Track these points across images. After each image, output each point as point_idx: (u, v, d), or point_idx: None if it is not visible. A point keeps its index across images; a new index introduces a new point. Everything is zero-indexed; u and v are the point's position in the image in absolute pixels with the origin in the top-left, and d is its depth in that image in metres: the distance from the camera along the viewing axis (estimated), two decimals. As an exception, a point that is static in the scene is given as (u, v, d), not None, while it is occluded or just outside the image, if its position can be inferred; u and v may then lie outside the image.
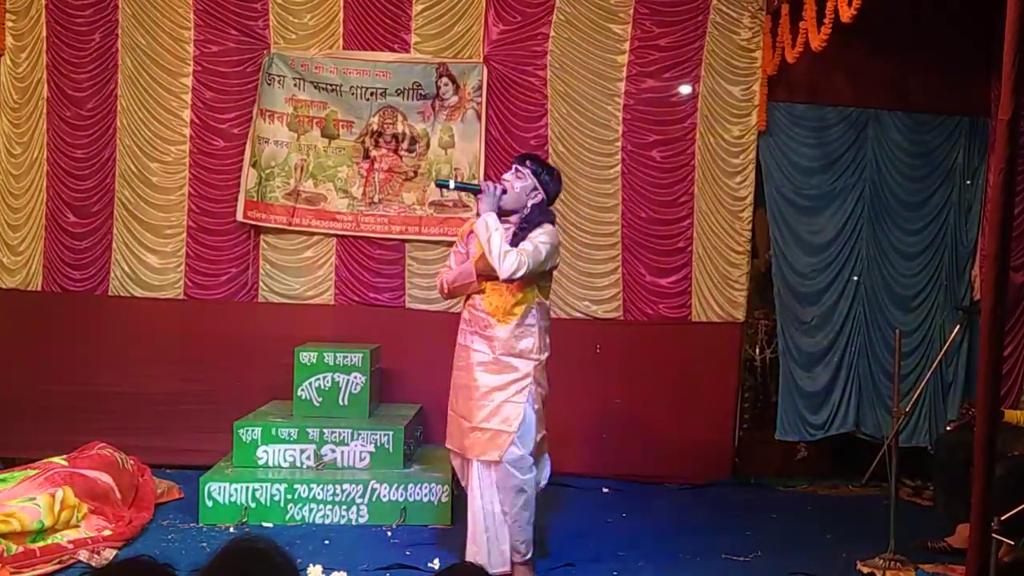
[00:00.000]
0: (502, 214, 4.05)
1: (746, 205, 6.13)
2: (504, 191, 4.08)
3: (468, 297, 4.18)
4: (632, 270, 6.14)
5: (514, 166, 4.20)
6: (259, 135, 5.99)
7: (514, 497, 4.05)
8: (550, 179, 4.18)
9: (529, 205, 4.10)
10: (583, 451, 5.96)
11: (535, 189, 4.12)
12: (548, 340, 4.18)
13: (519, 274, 3.92)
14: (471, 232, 4.22)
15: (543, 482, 4.31)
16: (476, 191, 4.14)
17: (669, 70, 6.09)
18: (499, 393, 4.03)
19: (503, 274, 3.92)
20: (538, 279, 4.09)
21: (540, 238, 4.00)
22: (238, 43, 6.05)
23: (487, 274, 4.06)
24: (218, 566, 1.80)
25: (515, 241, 3.99)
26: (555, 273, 5.97)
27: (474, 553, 4.05)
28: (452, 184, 4.40)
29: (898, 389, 4.67)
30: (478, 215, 4.09)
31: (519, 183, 4.11)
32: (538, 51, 6.09)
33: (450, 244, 6.01)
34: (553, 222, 4.17)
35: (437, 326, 6.01)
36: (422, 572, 4.34)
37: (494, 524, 4.04)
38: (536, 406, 4.09)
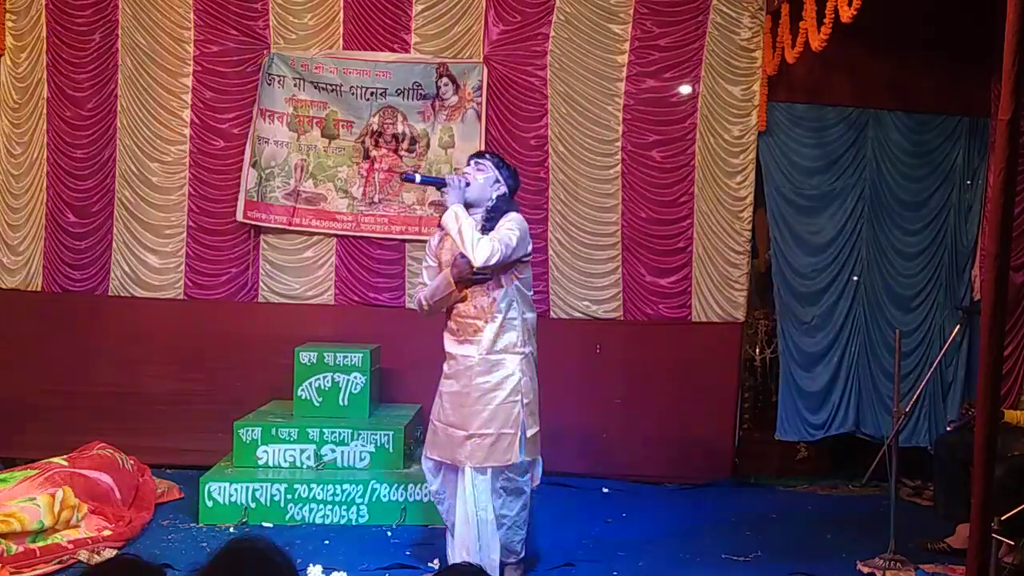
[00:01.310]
0: (467, 207, 4.01)
1: (746, 205, 6.13)
2: (467, 184, 4.05)
3: (451, 306, 4.11)
4: (632, 270, 6.14)
5: (472, 160, 4.17)
6: (259, 135, 5.99)
7: (514, 500, 4.02)
8: (509, 173, 4.16)
9: (493, 197, 4.07)
10: (583, 451, 5.96)
11: (497, 181, 4.09)
12: (534, 334, 4.11)
13: (494, 260, 3.85)
14: (440, 240, 4.14)
15: (535, 482, 4.22)
16: (441, 184, 4.10)
17: (669, 70, 6.09)
18: (495, 394, 3.96)
19: (478, 261, 3.86)
20: (515, 270, 4.02)
21: (507, 225, 3.95)
22: (238, 43, 6.05)
23: (465, 279, 3.99)
24: (216, 566, 1.79)
25: (484, 230, 3.95)
26: (555, 273, 6.06)
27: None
28: (418, 178, 4.35)
29: (898, 389, 4.68)
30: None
31: (481, 175, 4.08)
32: (538, 51, 6.09)
33: (450, 244, 6.05)
34: (516, 211, 4.12)
35: (437, 326, 5.99)
36: (422, 572, 4.34)
37: (487, 532, 3.96)
38: (526, 400, 4.00)
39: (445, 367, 4.15)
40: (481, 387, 3.97)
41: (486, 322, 3.99)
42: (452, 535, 4.16)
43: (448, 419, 4.04)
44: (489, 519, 3.95)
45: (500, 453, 3.93)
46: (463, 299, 4.03)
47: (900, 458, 4.64)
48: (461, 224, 3.90)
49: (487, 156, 4.19)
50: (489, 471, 3.95)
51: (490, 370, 3.98)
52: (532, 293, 4.20)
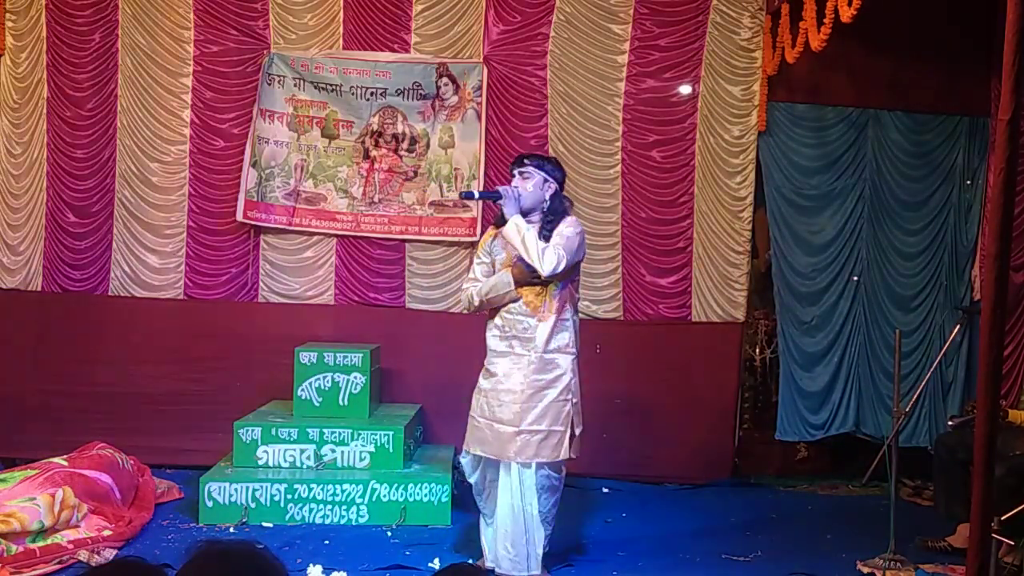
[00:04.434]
0: (523, 214, 4.08)
1: (746, 205, 6.13)
2: (520, 194, 4.11)
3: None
4: (632, 270, 6.14)
5: (515, 171, 4.20)
6: (259, 135, 5.99)
7: (549, 496, 4.12)
8: (552, 167, 4.22)
9: (547, 198, 4.14)
10: (583, 451, 5.92)
11: (546, 181, 4.15)
12: (579, 337, 4.24)
13: (560, 268, 3.97)
14: (494, 239, 4.23)
15: None
16: (497, 197, 4.16)
17: (669, 70, 6.09)
18: (547, 391, 4.06)
19: (545, 271, 3.95)
20: (571, 272, 4.12)
21: (568, 230, 4.06)
22: (238, 43, 6.05)
23: (525, 280, 4.08)
24: (215, 567, 1.75)
25: (543, 236, 4.03)
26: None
27: (508, 555, 4.03)
28: (476, 194, 4.41)
29: (898, 389, 4.67)
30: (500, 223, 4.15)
31: (529, 182, 4.13)
32: (538, 51, 6.09)
33: (450, 244, 6.06)
34: (570, 209, 4.24)
35: (437, 326, 6.03)
36: (422, 572, 4.34)
37: (532, 527, 4.05)
38: (575, 400, 4.15)
39: (490, 365, 4.18)
40: (534, 384, 4.06)
41: (539, 320, 4.07)
42: (488, 524, 4.24)
43: (496, 415, 4.09)
44: (535, 513, 4.05)
45: (550, 449, 4.04)
46: (517, 299, 4.11)
47: (900, 458, 4.64)
48: (524, 236, 3.98)
49: (527, 162, 4.20)
50: (534, 466, 4.03)
51: (544, 368, 4.07)
52: (580, 296, 4.34)
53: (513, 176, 4.21)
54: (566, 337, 4.12)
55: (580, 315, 5.97)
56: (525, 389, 4.04)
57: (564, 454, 4.05)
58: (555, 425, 4.04)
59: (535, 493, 4.04)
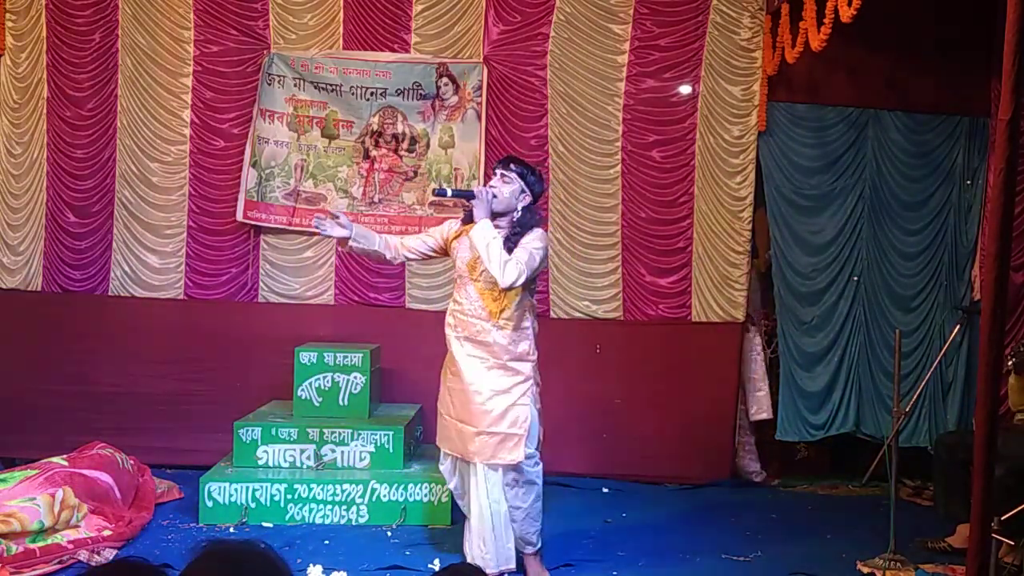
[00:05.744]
0: (493, 217, 4.10)
1: (746, 205, 6.12)
2: (494, 196, 4.13)
3: (454, 301, 4.26)
4: (632, 270, 6.14)
5: (498, 171, 4.23)
6: (259, 135, 5.99)
7: (527, 491, 4.15)
8: (535, 179, 4.24)
9: (519, 208, 4.16)
10: (583, 451, 5.97)
11: (523, 191, 4.18)
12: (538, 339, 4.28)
13: (519, 282, 4.01)
14: (457, 237, 4.25)
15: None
16: (470, 197, 4.17)
17: (669, 70, 6.09)
18: (504, 397, 4.09)
19: (504, 283, 3.99)
20: (529, 283, 4.16)
21: (534, 244, 4.09)
22: (238, 43, 6.05)
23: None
24: (216, 567, 1.75)
25: (508, 245, 4.05)
26: (555, 273, 6.07)
27: (481, 553, 4.09)
28: (449, 192, 4.41)
29: (898, 389, 4.68)
30: (467, 220, 4.18)
31: (507, 187, 4.16)
32: (538, 51, 6.09)
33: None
34: (540, 223, 4.26)
35: (437, 326, 5.96)
36: (422, 572, 4.34)
37: (501, 523, 4.11)
38: (538, 406, 4.19)
39: (448, 363, 4.27)
40: (493, 389, 4.09)
41: (498, 327, 4.11)
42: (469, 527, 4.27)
43: (458, 415, 4.18)
44: (502, 511, 4.11)
45: (506, 451, 4.08)
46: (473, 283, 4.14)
47: (900, 458, 4.64)
48: (489, 244, 4.00)
49: (513, 166, 4.22)
50: (500, 466, 4.09)
51: (504, 375, 4.11)
52: (536, 302, 4.38)
53: (494, 174, 4.24)
54: (526, 345, 4.16)
55: (580, 315, 6.10)
56: (482, 393, 4.09)
57: (520, 456, 4.07)
58: (513, 428, 4.07)
59: (501, 492, 4.10)
